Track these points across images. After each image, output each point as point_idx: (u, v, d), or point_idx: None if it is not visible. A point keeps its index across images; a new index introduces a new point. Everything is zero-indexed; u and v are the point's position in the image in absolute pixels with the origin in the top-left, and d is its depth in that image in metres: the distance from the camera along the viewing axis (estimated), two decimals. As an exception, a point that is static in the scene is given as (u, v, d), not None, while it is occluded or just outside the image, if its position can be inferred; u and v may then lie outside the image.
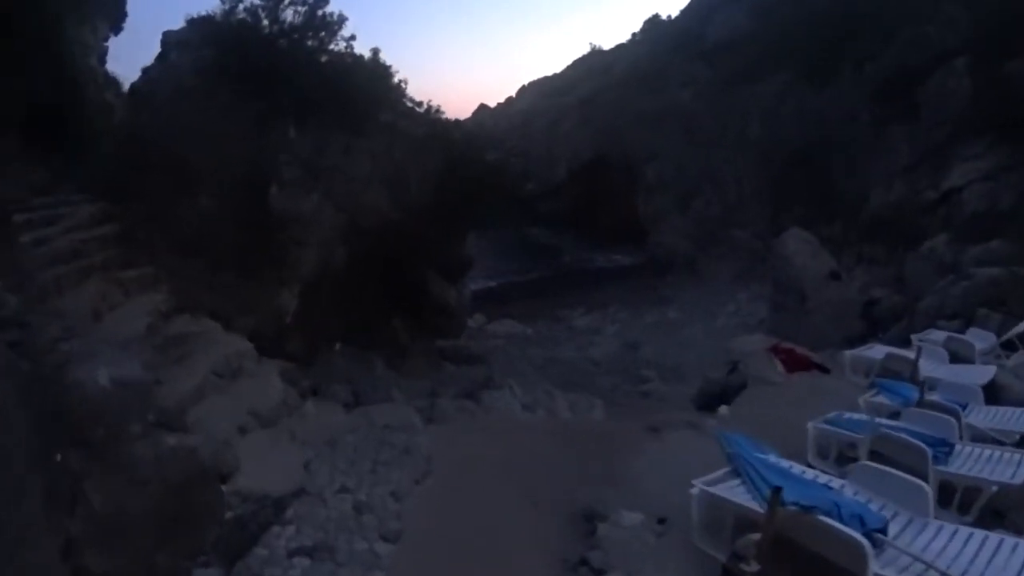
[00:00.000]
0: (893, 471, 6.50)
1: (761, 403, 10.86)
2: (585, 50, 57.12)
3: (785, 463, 6.64)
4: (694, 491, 5.84)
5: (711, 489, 5.83)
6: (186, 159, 13.24)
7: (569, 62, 57.77)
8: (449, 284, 19.92)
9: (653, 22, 49.65)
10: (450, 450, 8.14)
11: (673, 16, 47.45)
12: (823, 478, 6.51)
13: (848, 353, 13.34)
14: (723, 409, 10.34)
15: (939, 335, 14.63)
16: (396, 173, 16.22)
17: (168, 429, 7.33)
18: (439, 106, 17.89)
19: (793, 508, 5.21)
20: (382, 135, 15.96)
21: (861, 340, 19.40)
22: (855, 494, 6.29)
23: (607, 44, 54.86)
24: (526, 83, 60.81)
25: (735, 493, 5.77)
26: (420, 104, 17.72)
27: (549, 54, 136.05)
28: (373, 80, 15.80)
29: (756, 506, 5.59)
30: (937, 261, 18.86)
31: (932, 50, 22.42)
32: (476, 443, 8.60)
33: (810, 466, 7.92)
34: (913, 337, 14.52)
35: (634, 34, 51.24)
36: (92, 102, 13.30)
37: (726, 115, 32.42)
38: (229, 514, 7.35)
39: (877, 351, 13.23)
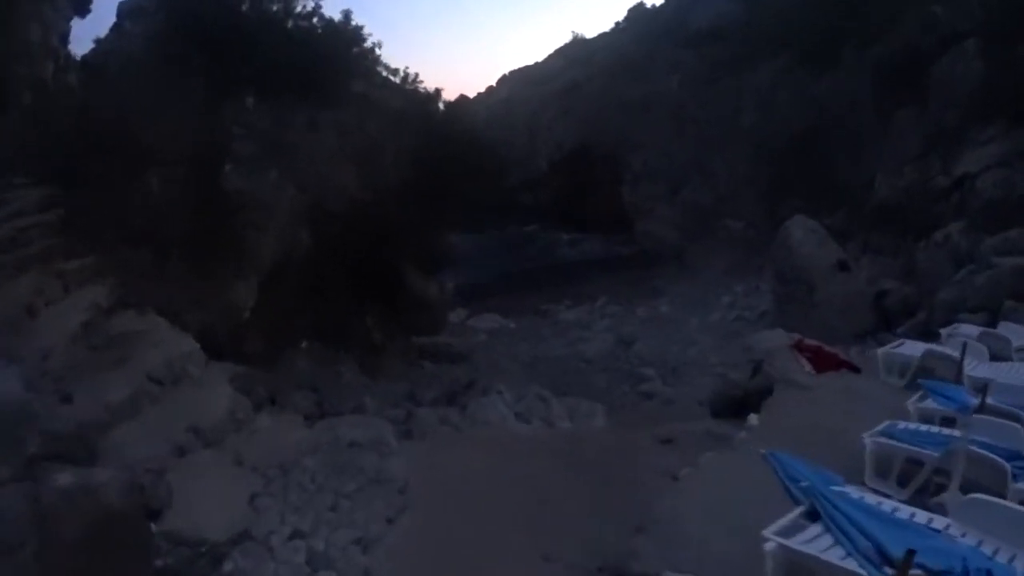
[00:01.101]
0: (1009, 505, 5.06)
1: (793, 410, 9.39)
2: (567, 39, 55.40)
3: (871, 498, 5.14)
4: (768, 547, 4.30)
5: (790, 544, 4.28)
6: (136, 136, 11.74)
7: (551, 51, 56.08)
8: (429, 276, 18.37)
9: (637, 10, 48.20)
10: (431, 476, 6.58)
11: (658, 3, 46.01)
12: (920, 515, 5.01)
13: (881, 351, 11.92)
14: (753, 418, 8.86)
15: (970, 329, 13.25)
16: (368, 150, 14.71)
17: (66, 461, 5.66)
18: (417, 75, 16.22)
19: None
20: (352, 107, 14.47)
21: (871, 334, 18.16)
22: (963, 536, 4.81)
23: (590, 33, 53.11)
24: (507, 72, 59.09)
25: (825, 550, 4.24)
26: (396, 72, 16.12)
27: (531, 44, 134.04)
28: (342, 45, 14.07)
29: (855, 566, 4.09)
30: (952, 250, 17.54)
31: (940, 32, 21.06)
32: (462, 466, 7.04)
33: (873, 490, 6.48)
34: (942, 332, 13.22)
35: (617, 23, 49.82)
36: (45, 81, 12.08)
37: (716, 103, 31.07)
38: (159, 562, 5.76)
39: (910, 348, 11.82)
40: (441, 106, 16.92)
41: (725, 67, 30.99)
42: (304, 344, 14.23)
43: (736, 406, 10.99)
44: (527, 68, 57.26)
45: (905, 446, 7.19)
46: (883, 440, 7.37)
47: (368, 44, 14.69)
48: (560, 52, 53.72)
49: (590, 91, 40.52)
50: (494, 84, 59.46)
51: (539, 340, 21.22)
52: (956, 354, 10.98)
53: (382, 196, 14.72)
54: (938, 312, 16.10)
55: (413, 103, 15.54)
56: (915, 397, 9.49)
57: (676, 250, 30.18)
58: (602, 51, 45.73)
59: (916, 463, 7.00)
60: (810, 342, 12.06)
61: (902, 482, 6.95)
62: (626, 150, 35.90)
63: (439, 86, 18.10)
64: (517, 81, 55.69)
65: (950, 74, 19.75)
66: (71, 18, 13.15)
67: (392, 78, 15.64)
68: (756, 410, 10.63)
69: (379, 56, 15.32)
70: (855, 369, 11.95)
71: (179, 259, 12.22)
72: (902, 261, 19.72)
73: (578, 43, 52.60)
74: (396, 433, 8.14)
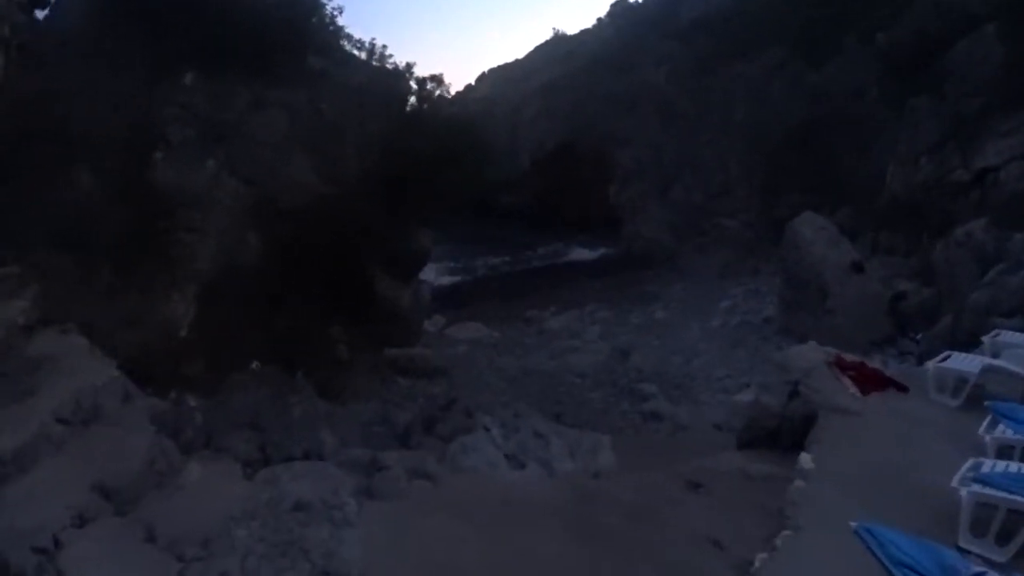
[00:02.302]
0: None
1: (847, 444, 7.68)
2: (548, 35, 53.75)
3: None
4: None
5: None
6: (67, 124, 10.14)
7: (532, 48, 54.40)
8: (401, 281, 16.42)
9: (621, 4, 46.60)
10: (398, 565, 4.70)
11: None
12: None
13: (931, 365, 10.27)
14: (806, 460, 7.12)
15: (1016, 337, 11.71)
16: (327, 136, 12.75)
17: None
18: (385, 48, 14.14)
19: None
20: (307, 85, 12.52)
21: (889, 342, 16.67)
22: None
23: (572, 30, 51.51)
24: (486, 70, 57.29)
25: None
26: (361, 45, 14.15)
27: (511, 42, 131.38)
28: (298, 15, 12.12)
29: None
30: (975, 249, 16.01)
31: (955, 16, 19.57)
32: (442, 544, 5.19)
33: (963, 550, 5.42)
34: (984, 340, 11.65)
35: (600, 19, 48.22)
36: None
37: (706, 96, 29.62)
38: None
39: (962, 361, 10.20)
40: (414, 84, 14.84)
41: (716, 59, 29.67)
42: (255, 365, 12.32)
43: (770, 437, 9.27)
44: (507, 65, 55.63)
45: (1004, 495, 5.81)
46: (982, 490, 5.88)
47: (327, 13, 12.72)
48: (541, 49, 52.22)
49: (573, 87, 38.93)
50: (473, 83, 57.72)
51: (525, 351, 19.44)
52: (1018, 369, 9.50)
53: (344, 189, 12.80)
54: (967, 317, 14.65)
55: (380, 80, 13.51)
56: (985, 424, 7.98)
57: (668, 251, 28.53)
58: (585, 46, 44.35)
59: (1018, 514, 5.70)
60: (850, 358, 10.37)
61: (1002, 539, 5.74)
62: (612, 147, 34.33)
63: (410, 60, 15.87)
64: (497, 79, 54.09)
65: (968, 60, 18.25)
66: (31, 11, 11.28)
67: (357, 52, 13.60)
68: (794, 440, 8.97)
69: (341, 27, 13.35)
70: (902, 388, 10.29)
71: (108, 267, 10.37)
72: (916, 261, 18.26)
73: (560, 39, 51.14)
74: (356, 489, 6.29)
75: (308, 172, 12.59)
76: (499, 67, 56.76)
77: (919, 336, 16.26)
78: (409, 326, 17.42)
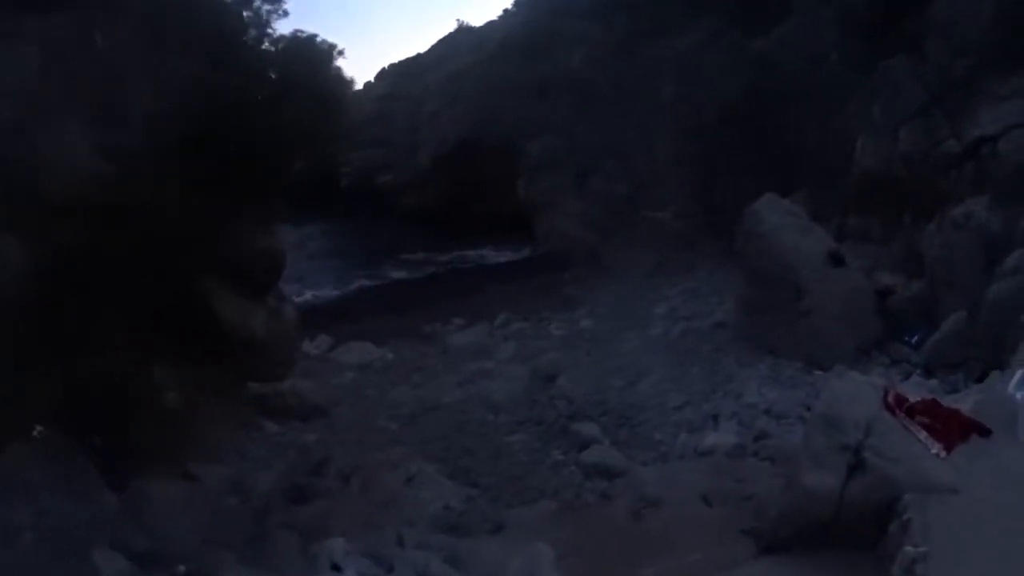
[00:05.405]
0: None
1: (967, 555, 4.13)
2: (452, 27, 50.14)
3: None
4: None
5: None
6: None
7: (435, 40, 50.76)
8: (250, 298, 12.28)
9: (529, -8, 43.36)
10: None
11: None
12: None
13: (1020, 396, 6.83)
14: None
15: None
16: (106, 84, 8.43)
17: None
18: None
19: None
20: (71, 8, 8.23)
21: (878, 347, 13.53)
22: None
23: (477, 22, 48.16)
24: (386, 66, 53.24)
25: None
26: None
27: (415, 37, 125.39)
28: None
29: None
30: (978, 232, 13.02)
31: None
32: None
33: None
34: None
35: (507, 9, 45.02)
36: None
37: (629, 77, 26.42)
38: None
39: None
40: (248, 14, 10.68)
41: (639, 37, 26.48)
42: (37, 431, 8.31)
43: (817, 535, 5.47)
44: (409, 60, 51.81)
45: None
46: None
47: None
48: (445, 41, 48.77)
49: (478, 77, 35.71)
50: (372, 80, 53.45)
51: (426, 377, 15.66)
52: None
53: (133, 166, 8.59)
54: (987, 315, 11.60)
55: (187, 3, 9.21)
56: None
57: (588, 249, 25.12)
58: (493, 35, 40.98)
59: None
60: (911, 395, 6.72)
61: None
62: (523, 138, 31.01)
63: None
64: (398, 74, 50.38)
65: (952, 14, 15.27)
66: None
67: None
68: (860, 539, 5.31)
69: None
70: (985, 431, 6.70)
71: None
72: (898, 248, 15.21)
73: (464, 31, 47.84)
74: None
75: (77, 139, 8.32)
76: (400, 62, 52.98)
77: (915, 339, 13.19)
78: (272, 355, 13.31)
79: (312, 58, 11.65)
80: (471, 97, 35.31)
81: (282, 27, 11.43)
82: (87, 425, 8.90)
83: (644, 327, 17.11)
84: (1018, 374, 7.21)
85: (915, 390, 9.62)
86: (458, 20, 59.85)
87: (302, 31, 11.57)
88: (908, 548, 4.76)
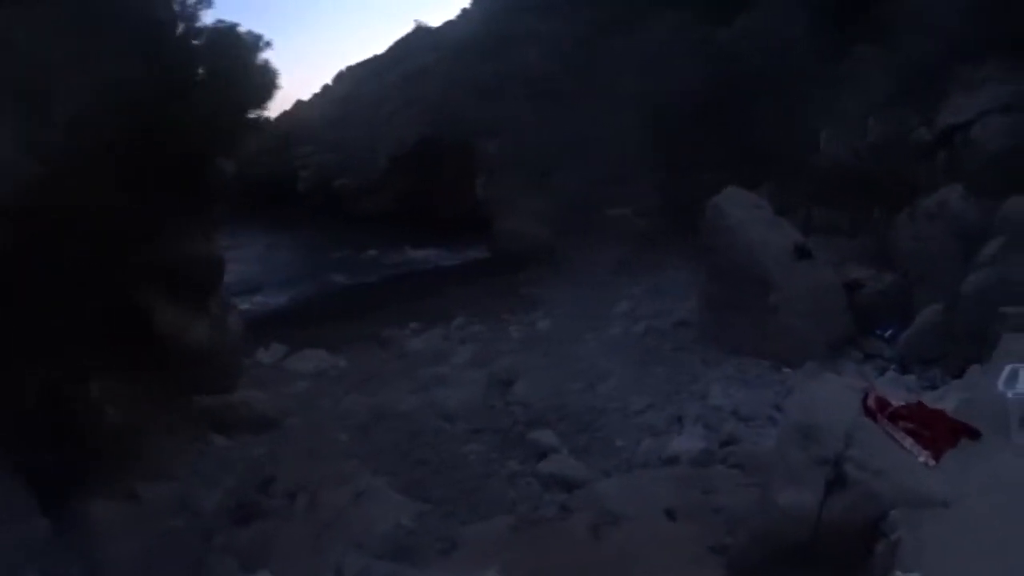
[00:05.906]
0: None
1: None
2: (409, 28, 49.45)
3: None
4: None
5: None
6: None
7: (392, 42, 50.02)
8: (190, 307, 11.64)
9: (487, -7, 42.77)
10: None
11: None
12: None
13: (1011, 395, 6.20)
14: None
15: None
16: (29, 76, 7.74)
17: None
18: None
19: None
20: None
21: (850, 343, 13.03)
22: None
23: (436, 22, 47.54)
24: (344, 68, 52.34)
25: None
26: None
27: (374, 39, 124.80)
28: None
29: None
30: (953, 222, 12.69)
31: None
32: None
33: None
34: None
35: (465, 9, 44.38)
36: None
37: (590, 73, 26.09)
38: None
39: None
40: (176, 7, 9.94)
41: (599, 32, 26.14)
42: None
43: (794, 558, 4.74)
44: (367, 61, 51.03)
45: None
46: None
47: None
48: (403, 42, 48.08)
49: (436, 76, 35.35)
50: (330, 83, 52.53)
51: (380, 384, 14.82)
52: None
53: (58, 165, 7.83)
54: (964, 307, 11.20)
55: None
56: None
57: (547, 248, 24.57)
58: (451, 35, 40.73)
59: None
60: (892, 398, 6.04)
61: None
62: (482, 137, 30.72)
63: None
64: (355, 76, 49.68)
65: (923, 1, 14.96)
66: None
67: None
68: (841, 562, 4.62)
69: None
70: (974, 434, 6.06)
71: None
72: (868, 240, 14.80)
73: (422, 31, 47.20)
74: None
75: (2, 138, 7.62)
76: (358, 64, 52.17)
77: (889, 333, 12.71)
78: (217, 366, 12.63)
79: (238, 50, 10.94)
80: (429, 97, 34.76)
81: (206, 18, 10.76)
82: (19, 444, 8.18)
83: (603, 327, 16.51)
84: (1007, 370, 6.59)
85: (891, 386, 9.00)
86: (416, 21, 59.35)
87: (223, 21, 10.94)
88: (898, 573, 4.12)
